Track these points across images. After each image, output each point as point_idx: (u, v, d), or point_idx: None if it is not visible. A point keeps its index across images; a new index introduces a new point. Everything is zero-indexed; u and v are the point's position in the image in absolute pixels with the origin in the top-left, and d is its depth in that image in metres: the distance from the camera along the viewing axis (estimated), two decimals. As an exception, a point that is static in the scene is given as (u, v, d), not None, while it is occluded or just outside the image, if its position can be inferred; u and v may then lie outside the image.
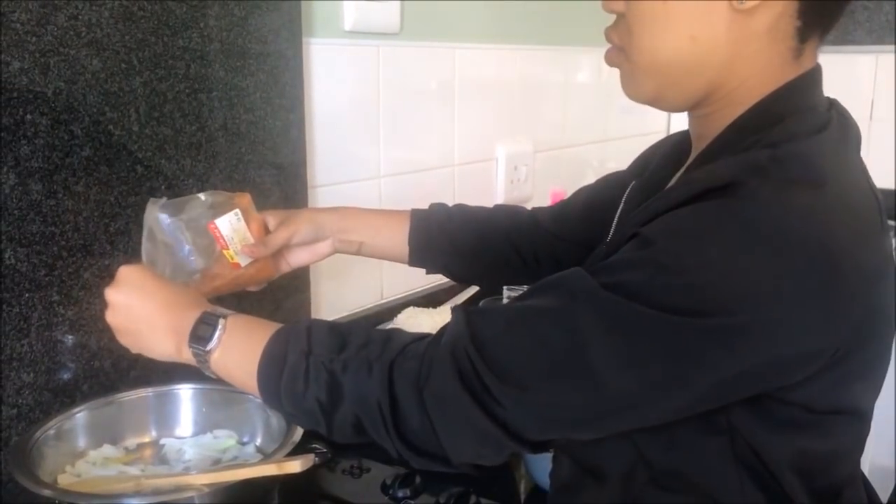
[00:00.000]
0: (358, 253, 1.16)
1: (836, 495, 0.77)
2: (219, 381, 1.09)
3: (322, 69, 1.43)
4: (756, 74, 0.75)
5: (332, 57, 1.45)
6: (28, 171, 1.02)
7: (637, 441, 0.75)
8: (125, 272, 0.90)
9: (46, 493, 0.88)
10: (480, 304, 0.81)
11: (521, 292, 1.60)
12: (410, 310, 1.54)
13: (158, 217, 1.00)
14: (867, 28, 2.60)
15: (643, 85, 0.79)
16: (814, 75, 0.77)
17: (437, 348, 0.72)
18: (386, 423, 0.73)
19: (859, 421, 0.77)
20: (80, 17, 1.05)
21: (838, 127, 0.74)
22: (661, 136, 2.63)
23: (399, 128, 1.62)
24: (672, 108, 0.82)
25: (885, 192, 2.38)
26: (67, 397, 1.09)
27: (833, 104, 0.78)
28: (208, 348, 0.83)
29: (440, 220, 1.16)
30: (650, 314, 0.63)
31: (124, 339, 0.91)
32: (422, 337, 0.77)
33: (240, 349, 0.82)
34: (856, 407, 0.75)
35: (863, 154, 0.79)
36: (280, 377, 0.78)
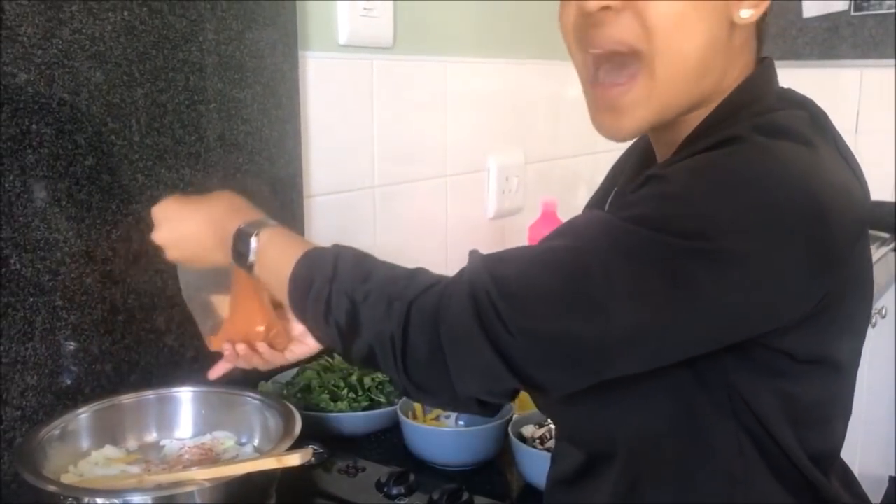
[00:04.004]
0: None
1: (828, 467, 0.80)
2: (217, 384, 1.13)
3: (317, 82, 1.47)
4: (731, 85, 0.80)
5: (328, 70, 1.49)
6: (33, 179, 1.06)
7: (636, 414, 0.77)
8: (170, 198, 0.97)
9: (52, 489, 0.90)
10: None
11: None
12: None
13: None
14: (851, 43, 2.66)
15: (667, 99, 0.77)
16: (769, 68, 0.83)
17: (457, 286, 0.74)
18: (396, 358, 0.75)
19: (840, 375, 0.80)
20: (83, 30, 1.09)
21: (812, 106, 0.80)
22: (649, 147, 2.63)
23: (392, 139, 1.65)
24: (667, 120, 0.80)
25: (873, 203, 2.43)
26: (70, 400, 1.12)
27: (787, 90, 0.83)
28: (248, 263, 0.89)
29: None
30: (655, 237, 0.67)
31: (174, 254, 0.96)
32: (444, 278, 0.78)
33: (273, 265, 0.87)
34: (837, 360, 0.78)
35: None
36: (306, 298, 0.81)
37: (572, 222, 0.75)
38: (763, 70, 0.82)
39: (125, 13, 1.14)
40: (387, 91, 1.62)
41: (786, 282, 0.68)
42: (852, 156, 0.80)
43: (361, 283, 0.79)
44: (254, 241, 0.88)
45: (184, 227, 0.94)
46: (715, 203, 0.67)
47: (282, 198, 1.40)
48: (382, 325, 0.76)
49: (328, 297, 0.79)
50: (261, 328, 0.99)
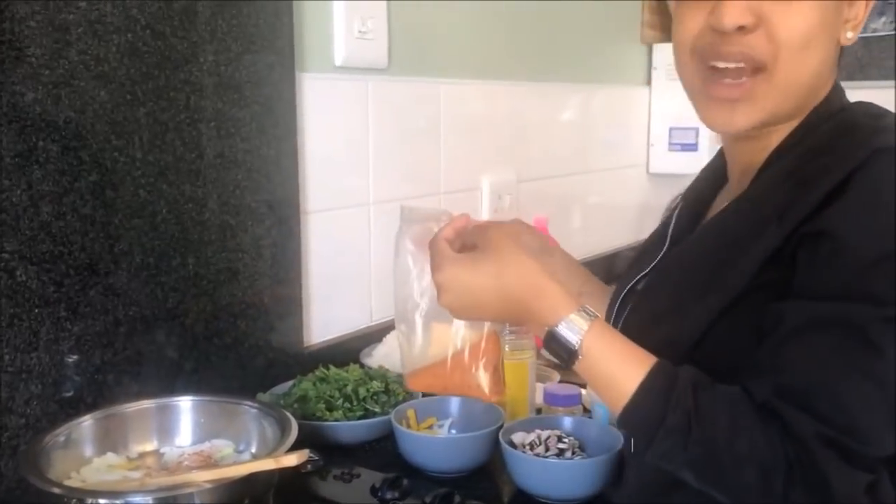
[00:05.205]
0: None
1: None
2: (216, 393, 1.16)
3: (314, 102, 1.51)
4: (820, 97, 0.86)
5: (324, 90, 1.53)
6: (39, 194, 1.10)
7: None
8: (454, 265, 0.87)
9: (56, 491, 0.93)
10: (780, 382, 0.76)
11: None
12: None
13: None
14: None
15: (780, 105, 0.83)
16: (839, 83, 0.89)
17: (814, 453, 0.71)
18: None
19: None
20: (89, 51, 1.14)
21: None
22: (641, 168, 2.70)
23: (387, 158, 1.69)
24: (772, 123, 0.86)
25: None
26: (72, 408, 1.15)
27: (854, 102, 0.89)
28: (565, 365, 0.83)
29: None
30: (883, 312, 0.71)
31: (458, 317, 0.90)
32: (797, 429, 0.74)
33: (600, 377, 0.82)
34: None
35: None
36: (651, 440, 0.78)
37: (816, 326, 0.74)
38: (838, 84, 0.88)
39: (129, 35, 1.18)
40: (382, 111, 1.66)
41: None
42: None
43: (709, 458, 0.75)
44: (577, 347, 0.81)
45: (473, 299, 0.86)
46: None
47: (279, 214, 1.44)
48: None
49: (671, 453, 0.77)
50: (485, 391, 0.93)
